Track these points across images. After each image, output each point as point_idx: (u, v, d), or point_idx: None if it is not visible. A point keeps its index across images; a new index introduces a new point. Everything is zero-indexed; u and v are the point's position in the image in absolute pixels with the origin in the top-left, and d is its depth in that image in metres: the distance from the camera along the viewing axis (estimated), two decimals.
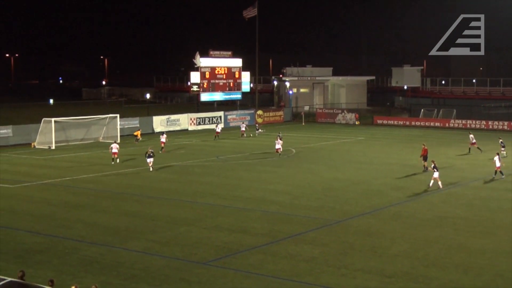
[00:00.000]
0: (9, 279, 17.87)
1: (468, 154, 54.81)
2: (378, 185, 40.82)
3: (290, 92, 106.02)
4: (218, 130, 68.90)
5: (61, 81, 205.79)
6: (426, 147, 46.88)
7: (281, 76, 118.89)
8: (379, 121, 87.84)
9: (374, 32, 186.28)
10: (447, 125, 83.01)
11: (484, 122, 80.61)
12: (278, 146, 54.62)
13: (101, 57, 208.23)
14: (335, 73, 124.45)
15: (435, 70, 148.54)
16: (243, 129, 71.72)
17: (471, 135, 56.76)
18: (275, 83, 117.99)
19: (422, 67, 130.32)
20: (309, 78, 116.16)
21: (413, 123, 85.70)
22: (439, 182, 39.28)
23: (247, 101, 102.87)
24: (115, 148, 50.05)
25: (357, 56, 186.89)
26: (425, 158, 46.38)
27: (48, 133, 60.47)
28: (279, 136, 56.54)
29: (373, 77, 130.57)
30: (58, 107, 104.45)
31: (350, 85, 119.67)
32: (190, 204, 34.90)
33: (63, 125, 63.00)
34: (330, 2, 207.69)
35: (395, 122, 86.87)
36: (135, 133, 65.31)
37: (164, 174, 45.20)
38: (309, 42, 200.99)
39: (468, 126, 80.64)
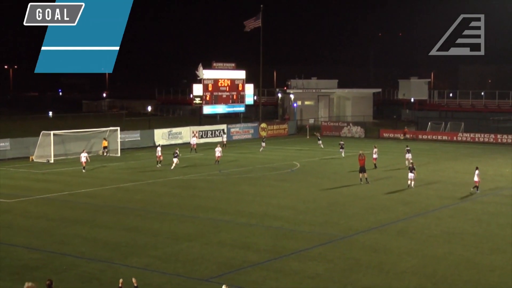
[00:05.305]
0: None
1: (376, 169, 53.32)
2: (385, 199, 40.12)
3: (295, 104, 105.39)
4: (194, 142, 68.55)
5: (60, 93, 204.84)
6: (363, 158, 46.33)
7: (285, 88, 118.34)
8: (385, 134, 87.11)
9: (381, 44, 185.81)
10: (455, 138, 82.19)
11: (493, 135, 79.78)
12: (218, 154, 57.26)
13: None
14: (340, 86, 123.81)
15: (442, 82, 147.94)
16: (194, 142, 68.84)
17: (375, 149, 55.56)
18: (279, 95, 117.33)
19: (429, 80, 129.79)
20: (314, 91, 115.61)
21: (420, 136, 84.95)
22: (412, 182, 43.69)
23: (251, 114, 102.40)
24: (83, 157, 52.82)
25: (364, 68, 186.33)
26: (362, 169, 45.81)
27: (47, 146, 59.76)
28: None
29: (380, 90, 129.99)
30: (57, 120, 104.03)
31: (356, 98, 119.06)
32: (192, 219, 34.26)
33: (62, 138, 62.29)
34: (335, 13, 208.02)
35: (402, 136, 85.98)
36: (103, 144, 64.14)
37: (165, 188, 44.56)
38: (314, 54, 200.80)
39: (477, 139, 79.83)
